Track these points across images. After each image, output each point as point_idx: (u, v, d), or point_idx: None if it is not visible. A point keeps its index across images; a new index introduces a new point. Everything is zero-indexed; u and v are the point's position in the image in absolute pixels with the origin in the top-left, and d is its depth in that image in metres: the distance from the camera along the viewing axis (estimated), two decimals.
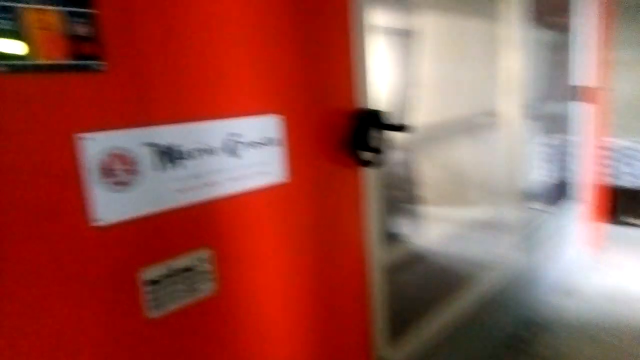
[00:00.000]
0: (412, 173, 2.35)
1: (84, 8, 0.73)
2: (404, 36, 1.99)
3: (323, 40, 1.16)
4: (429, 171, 2.58)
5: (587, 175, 3.30)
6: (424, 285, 2.29)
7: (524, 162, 2.39)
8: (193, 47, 0.89)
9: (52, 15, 0.70)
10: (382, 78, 1.97)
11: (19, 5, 0.67)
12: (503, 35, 2.11)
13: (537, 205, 3.62)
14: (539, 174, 3.76)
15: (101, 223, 0.78)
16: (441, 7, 2.08)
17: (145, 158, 0.83)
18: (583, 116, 3.16)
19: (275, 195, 1.06)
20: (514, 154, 2.27)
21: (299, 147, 1.12)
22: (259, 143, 1.01)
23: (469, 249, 2.64)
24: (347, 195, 1.27)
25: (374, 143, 1.27)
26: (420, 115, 2.03)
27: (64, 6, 0.71)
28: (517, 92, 2.17)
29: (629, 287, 2.91)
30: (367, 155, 1.27)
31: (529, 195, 3.44)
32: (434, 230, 3.00)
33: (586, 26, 3.04)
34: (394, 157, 2.14)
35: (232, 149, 0.96)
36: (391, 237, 2.70)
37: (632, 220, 4.07)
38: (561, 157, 3.78)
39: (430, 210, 3.08)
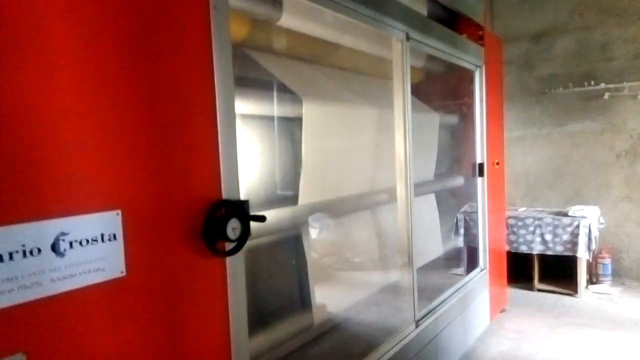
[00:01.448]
0: (308, 248, 2.40)
1: None
2: (288, 123, 2.10)
3: (179, 131, 1.19)
4: (332, 243, 2.66)
5: (490, 243, 3.52)
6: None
7: (417, 234, 2.52)
8: (15, 145, 0.89)
9: None
10: (258, 165, 2.05)
11: None
12: (394, 121, 2.29)
13: (448, 272, 3.81)
14: (449, 243, 3.98)
15: None
16: (331, 97, 2.23)
17: None
18: (483, 189, 3.42)
19: (108, 291, 1.06)
20: (406, 227, 2.40)
21: (143, 240, 1.12)
22: (89, 240, 1.02)
23: (372, 317, 2.70)
24: (202, 286, 1.28)
25: (232, 233, 1.30)
26: (313, 194, 2.11)
27: None
28: (406, 172, 2.33)
29: (521, 352, 3.07)
30: (226, 245, 1.31)
31: (436, 263, 3.59)
32: (342, 297, 3.04)
33: (481, 110, 3.37)
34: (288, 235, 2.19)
35: (53, 248, 0.96)
36: (302, 308, 2.70)
37: (538, 285, 4.32)
38: (469, 226, 4.05)
39: (341, 277, 3.12)
